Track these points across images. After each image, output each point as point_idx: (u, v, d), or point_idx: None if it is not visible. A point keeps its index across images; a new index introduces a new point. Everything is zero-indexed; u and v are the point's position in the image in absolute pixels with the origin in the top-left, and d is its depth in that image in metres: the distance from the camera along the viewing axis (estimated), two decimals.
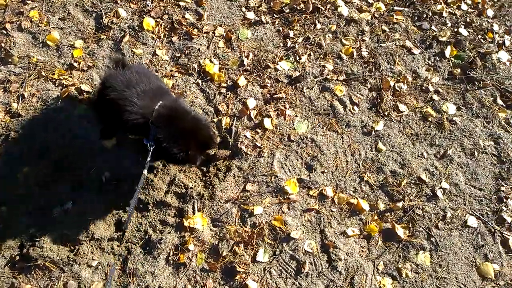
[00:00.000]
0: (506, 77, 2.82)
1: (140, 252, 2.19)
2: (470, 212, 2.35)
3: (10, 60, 2.75)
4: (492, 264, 2.19)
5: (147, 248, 2.21)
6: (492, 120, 2.68)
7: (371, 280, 2.13)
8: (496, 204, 2.39)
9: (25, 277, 2.09)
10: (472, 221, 2.32)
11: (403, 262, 2.19)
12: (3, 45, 2.78)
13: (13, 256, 2.13)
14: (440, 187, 2.42)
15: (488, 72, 2.86)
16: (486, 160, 2.54)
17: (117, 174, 2.38)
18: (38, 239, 2.15)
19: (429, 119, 2.67)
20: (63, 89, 2.65)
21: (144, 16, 2.98)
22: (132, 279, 2.10)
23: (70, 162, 2.41)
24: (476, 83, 2.83)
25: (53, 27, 2.90)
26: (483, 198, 2.41)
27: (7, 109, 2.57)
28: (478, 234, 2.30)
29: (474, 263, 2.21)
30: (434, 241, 2.26)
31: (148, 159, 1.97)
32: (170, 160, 2.14)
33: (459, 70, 2.88)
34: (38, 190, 2.31)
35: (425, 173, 2.47)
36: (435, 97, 2.77)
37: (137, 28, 2.94)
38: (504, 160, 2.53)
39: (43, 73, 2.71)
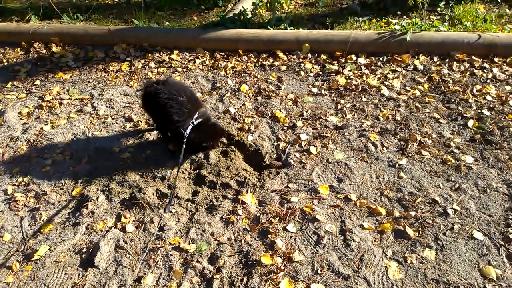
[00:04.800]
0: None
1: (204, 210, 2.85)
2: (478, 229, 2.53)
3: None
4: (495, 269, 2.28)
5: (210, 209, 2.87)
6: (506, 171, 2.95)
7: (379, 260, 2.39)
8: (504, 227, 2.53)
9: (128, 211, 2.88)
10: (478, 235, 2.49)
11: (409, 253, 2.42)
12: None
13: (125, 198, 2.98)
14: (452, 208, 2.69)
15: (505, 139, 3.23)
16: (497, 197, 2.76)
17: (199, 165, 3.23)
18: (143, 190, 3.00)
19: (448, 163, 3.07)
20: None
21: (243, 84, 4.23)
22: (195, 225, 2.72)
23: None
24: (494, 145, 3.20)
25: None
26: (492, 222, 2.57)
27: (148, 121, 3.79)
28: (483, 245, 2.43)
29: (477, 265, 2.32)
30: (441, 244, 2.46)
31: (184, 140, 2.93)
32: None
33: (479, 136, 3.31)
34: (153, 164, 3.27)
35: (439, 197, 2.78)
36: (456, 151, 3.19)
37: (236, 90, 4.17)
38: None
39: None
